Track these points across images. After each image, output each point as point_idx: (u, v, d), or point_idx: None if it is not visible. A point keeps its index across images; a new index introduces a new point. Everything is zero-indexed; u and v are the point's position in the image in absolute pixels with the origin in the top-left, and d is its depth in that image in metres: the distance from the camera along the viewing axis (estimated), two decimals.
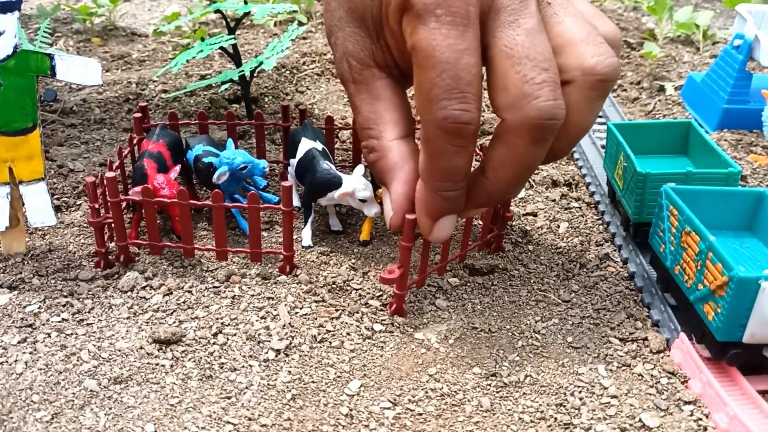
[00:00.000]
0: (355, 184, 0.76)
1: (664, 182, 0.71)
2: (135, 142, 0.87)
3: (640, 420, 0.58)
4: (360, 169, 0.79)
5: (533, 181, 0.98)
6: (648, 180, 0.74)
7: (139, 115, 0.89)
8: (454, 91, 0.56)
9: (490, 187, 0.63)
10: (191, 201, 0.74)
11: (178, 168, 0.79)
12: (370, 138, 0.67)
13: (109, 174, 0.72)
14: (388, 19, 0.62)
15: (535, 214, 0.89)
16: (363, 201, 0.77)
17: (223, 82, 1.07)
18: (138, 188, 0.74)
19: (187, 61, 1.28)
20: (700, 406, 0.59)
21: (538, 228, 0.86)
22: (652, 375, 0.63)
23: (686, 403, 0.60)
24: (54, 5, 1.48)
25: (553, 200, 0.93)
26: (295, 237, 0.77)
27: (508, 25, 0.57)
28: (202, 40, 1.02)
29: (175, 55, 1.18)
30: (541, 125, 0.57)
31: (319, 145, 0.82)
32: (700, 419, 0.58)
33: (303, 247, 0.79)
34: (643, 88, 1.28)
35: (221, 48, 1.01)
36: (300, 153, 0.81)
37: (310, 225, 0.81)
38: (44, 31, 1.14)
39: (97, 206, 0.73)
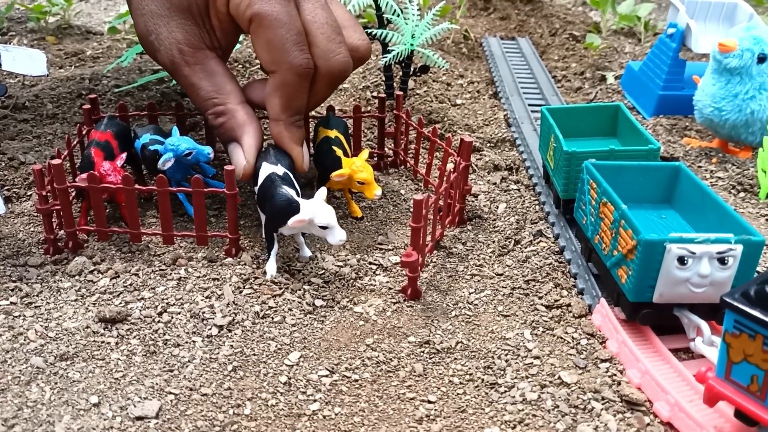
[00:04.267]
0: (313, 210, 0.70)
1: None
2: (84, 132, 0.89)
3: (559, 377, 0.62)
4: (322, 192, 0.74)
5: (476, 165, 1.01)
6: (573, 158, 0.78)
7: (88, 106, 0.91)
8: (300, 44, 0.75)
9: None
10: (136, 186, 0.76)
11: (124, 155, 0.81)
12: (216, 105, 0.80)
13: (56, 161, 0.74)
14: (215, 3, 0.77)
15: (476, 196, 0.93)
16: (324, 228, 0.71)
17: None
18: (84, 175, 0.76)
19: (141, 56, 1.29)
20: (615, 364, 0.63)
21: (478, 209, 0.90)
22: (573, 337, 0.67)
23: (603, 361, 0.64)
24: (8, 4, 1.48)
25: (494, 183, 0.97)
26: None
27: (308, 1, 0.78)
28: None
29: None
30: (342, 75, 0.79)
31: (281, 169, 0.76)
32: (615, 375, 0.62)
33: (268, 278, 0.74)
34: (586, 78, 1.33)
35: None
36: (261, 179, 0.76)
37: (274, 258, 0.75)
38: None
39: (45, 193, 0.75)
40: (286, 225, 0.72)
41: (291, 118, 0.79)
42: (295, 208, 0.71)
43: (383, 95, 0.98)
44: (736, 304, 0.48)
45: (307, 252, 0.79)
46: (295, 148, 0.81)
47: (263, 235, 0.77)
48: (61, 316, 0.69)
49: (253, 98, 0.83)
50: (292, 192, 0.73)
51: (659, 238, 0.59)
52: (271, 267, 0.75)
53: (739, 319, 0.49)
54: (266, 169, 0.76)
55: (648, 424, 0.57)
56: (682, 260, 0.59)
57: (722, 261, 0.59)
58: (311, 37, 0.76)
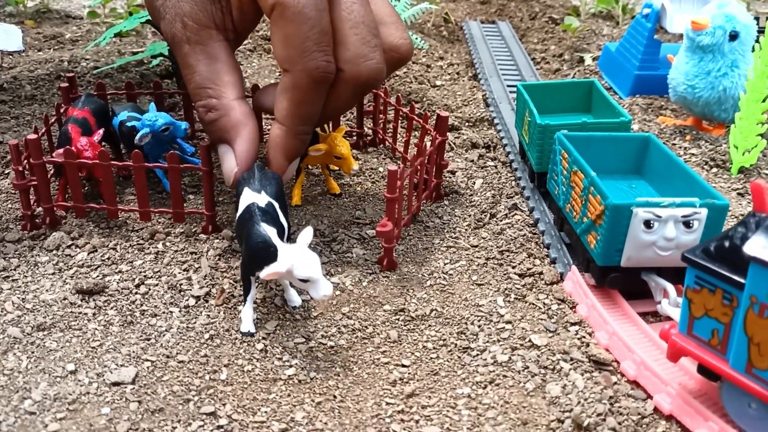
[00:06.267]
0: (292, 259, 0.60)
1: None
2: (62, 111, 0.89)
3: (530, 340, 0.63)
4: (307, 235, 0.63)
5: (454, 143, 1.02)
6: (547, 130, 0.79)
7: (66, 85, 0.91)
8: (322, 44, 0.65)
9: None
10: (112, 162, 0.76)
11: (101, 131, 0.81)
12: (210, 97, 0.71)
13: (32, 136, 0.75)
14: None
15: (453, 173, 0.94)
16: (305, 281, 0.60)
17: (154, 57, 1.09)
18: (60, 150, 0.76)
19: (120, 38, 1.29)
20: (584, 327, 0.65)
21: (455, 185, 0.91)
22: (544, 303, 0.68)
23: (572, 324, 0.65)
24: None
25: (472, 160, 0.98)
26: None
27: None
28: (131, 14, 1.04)
29: None
30: (370, 82, 0.69)
31: (263, 199, 0.65)
32: (584, 337, 0.63)
33: (242, 333, 0.64)
34: (564, 60, 1.35)
35: (149, 22, 1.03)
36: (241, 208, 0.66)
37: (250, 305, 0.65)
38: None
39: (21, 169, 0.75)
40: (261, 270, 0.61)
41: (296, 127, 0.69)
42: (272, 254, 0.60)
43: None
44: (696, 259, 0.50)
45: (295, 298, 0.68)
46: (281, 161, 0.71)
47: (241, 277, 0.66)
48: (38, 288, 0.69)
49: (265, 104, 0.75)
50: (272, 231, 0.62)
51: (626, 202, 0.60)
52: (246, 317, 0.65)
53: (699, 274, 0.50)
54: (247, 197, 0.66)
55: (615, 383, 0.58)
56: (648, 224, 0.60)
57: (687, 224, 0.60)
58: (342, 37, 0.67)
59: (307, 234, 0.63)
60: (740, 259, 0.47)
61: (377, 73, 0.68)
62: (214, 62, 0.71)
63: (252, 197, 0.65)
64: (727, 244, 0.48)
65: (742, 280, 0.47)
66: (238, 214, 0.66)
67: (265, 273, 0.60)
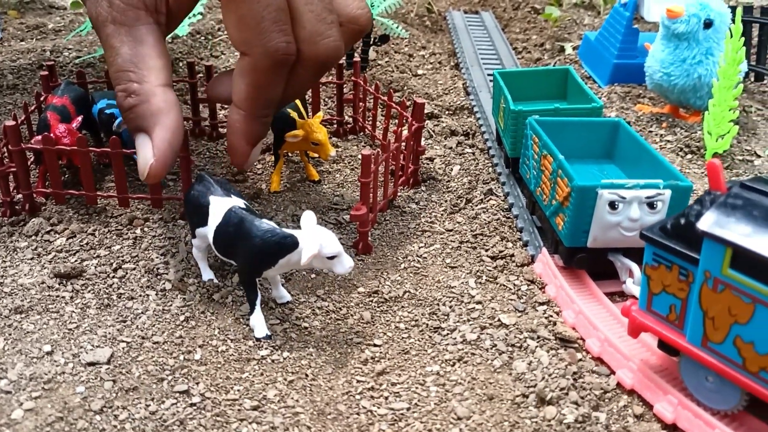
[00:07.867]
0: (318, 239, 0.59)
1: None
2: (42, 99, 0.89)
3: (499, 319, 0.64)
4: (310, 216, 0.62)
5: (433, 131, 1.04)
6: (520, 116, 0.80)
7: (46, 73, 0.91)
8: (280, 23, 0.61)
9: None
10: (90, 148, 0.77)
11: (80, 118, 0.82)
12: (130, 81, 0.64)
13: (9, 123, 0.75)
14: None
15: (431, 160, 0.95)
16: (332, 258, 0.60)
17: None
18: (39, 137, 0.77)
19: None
20: (552, 306, 0.66)
21: (433, 171, 0.92)
22: (514, 284, 0.69)
23: (541, 304, 0.66)
24: None
25: (450, 147, 0.99)
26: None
27: None
28: None
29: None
30: (329, 61, 0.66)
31: (239, 201, 0.64)
32: (551, 316, 0.65)
33: (257, 338, 0.63)
34: (546, 50, 1.36)
35: None
36: (216, 218, 0.64)
37: (260, 310, 0.63)
38: None
39: (0, 156, 0.76)
40: (275, 265, 0.60)
41: (257, 111, 0.66)
42: (292, 243, 0.59)
43: (341, 63, 1.00)
44: (653, 236, 0.51)
45: (284, 293, 0.68)
46: (242, 147, 0.67)
47: (241, 284, 0.66)
48: (16, 273, 0.70)
49: (221, 94, 0.70)
50: (273, 224, 0.62)
51: (591, 184, 0.61)
52: (258, 322, 0.63)
53: (656, 251, 0.51)
54: (220, 204, 0.64)
55: (580, 360, 0.60)
56: (613, 205, 0.61)
57: (651, 205, 0.62)
58: (297, 14, 0.63)
59: (309, 216, 0.62)
60: (695, 236, 0.48)
61: (335, 51, 0.65)
62: (139, 45, 0.64)
63: (226, 202, 0.64)
64: (682, 221, 0.50)
65: (696, 256, 0.49)
66: (216, 225, 0.63)
67: (306, 258, 0.58)
